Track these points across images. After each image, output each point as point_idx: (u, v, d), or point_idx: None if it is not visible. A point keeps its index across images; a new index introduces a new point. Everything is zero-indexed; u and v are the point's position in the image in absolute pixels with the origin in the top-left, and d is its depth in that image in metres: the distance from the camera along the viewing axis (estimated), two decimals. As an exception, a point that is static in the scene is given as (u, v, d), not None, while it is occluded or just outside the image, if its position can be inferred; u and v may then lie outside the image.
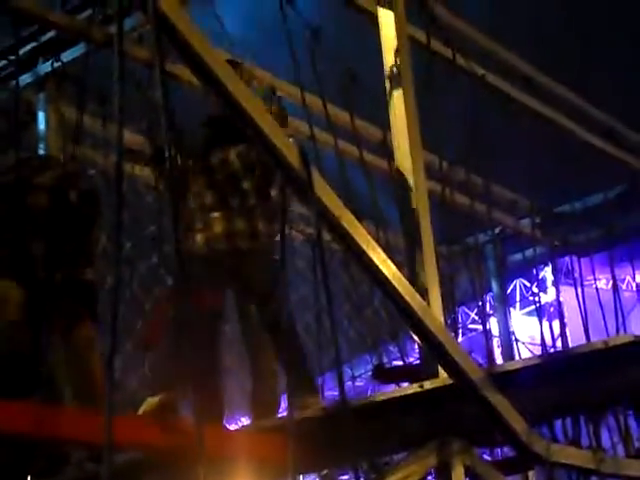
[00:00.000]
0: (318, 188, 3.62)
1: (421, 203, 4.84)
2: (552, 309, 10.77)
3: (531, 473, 6.52)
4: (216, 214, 5.09)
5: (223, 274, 5.13)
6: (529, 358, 4.69)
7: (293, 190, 3.75)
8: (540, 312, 8.07)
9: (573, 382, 4.22)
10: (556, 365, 4.23)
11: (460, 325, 12.84)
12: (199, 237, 5.09)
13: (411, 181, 4.86)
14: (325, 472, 6.57)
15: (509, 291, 13.03)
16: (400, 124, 4.99)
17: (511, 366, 4.44)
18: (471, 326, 13.70)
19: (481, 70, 6.31)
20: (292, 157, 3.54)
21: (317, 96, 6.22)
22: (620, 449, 5.23)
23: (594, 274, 8.17)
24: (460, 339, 12.68)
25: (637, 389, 4.24)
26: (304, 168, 3.56)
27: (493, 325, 10.35)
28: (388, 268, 3.86)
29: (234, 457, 3.91)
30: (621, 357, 4.07)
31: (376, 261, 3.83)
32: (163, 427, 3.91)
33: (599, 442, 4.62)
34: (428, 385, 4.32)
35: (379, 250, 3.88)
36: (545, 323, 10.20)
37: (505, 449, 5.42)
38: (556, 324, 10.16)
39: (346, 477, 6.99)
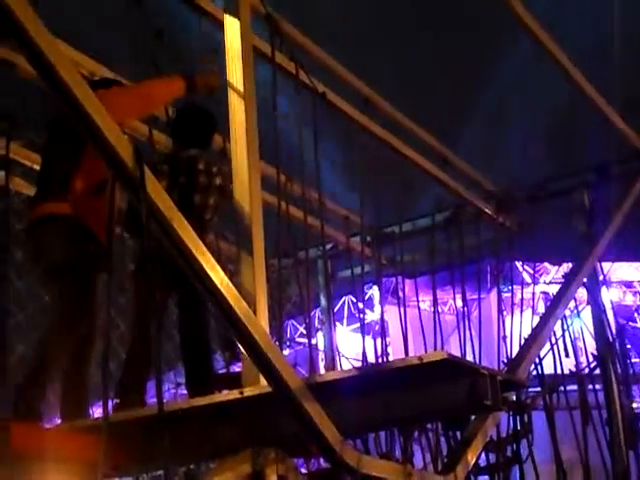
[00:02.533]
0: (150, 188, 3.59)
1: (255, 213, 4.87)
2: (377, 327, 11.02)
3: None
4: None
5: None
6: (347, 370, 4.79)
7: (125, 188, 3.70)
8: (364, 328, 8.24)
9: (389, 396, 4.33)
10: (373, 378, 4.33)
11: (288, 338, 13.00)
12: None
13: (247, 191, 4.88)
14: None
15: (337, 307, 13.30)
16: (239, 133, 5.00)
17: (329, 377, 4.52)
18: (299, 339, 13.89)
19: (322, 87, 6.41)
20: (125, 154, 3.50)
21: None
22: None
23: (417, 295, 8.42)
24: (287, 352, 12.81)
25: (448, 406, 4.39)
26: (137, 166, 3.52)
27: (319, 340, 10.51)
28: (216, 274, 3.86)
29: (45, 456, 3.80)
30: (435, 373, 4.22)
31: (205, 266, 3.82)
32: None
33: (409, 456, 4.77)
34: (248, 392, 4.35)
35: (209, 255, 3.88)
36: (369, 339, 10.44)
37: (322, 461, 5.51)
38: (380, 341, 10.41)
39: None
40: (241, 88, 4.99)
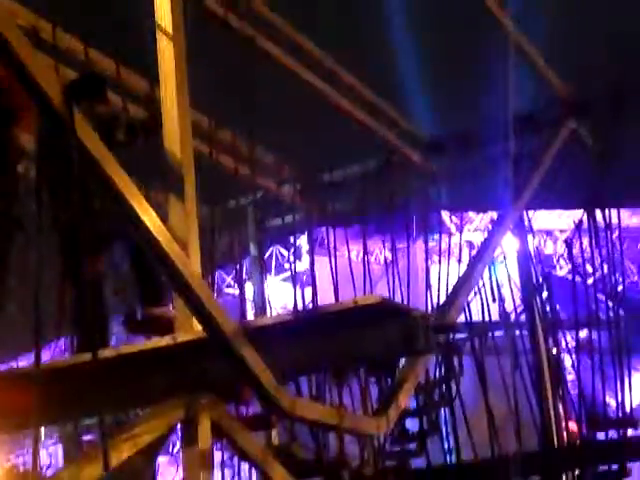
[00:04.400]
0: (79, 128, 3.49)
1: (185, 159, 4.80)
2: (306, 277, 11.02)
3: (274, 432, 6.63)
4: None
5: None
6: (282, 314, 4.79)
7: (52, 127, 3.60)
8: (295, 277, 8.24)
9: (323, 340, 4.35)
10: (307, 322, 4.34)
11: (216, 287, 12.94)
12: None
13: (177, 136, 4.80)
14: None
15: (266, 256, 13.26)
16: (168, 78, 4.90)
17: (263, 322, 4.52)
18: (227, 290, 13.83)
19: (251, 31, 6.30)
20: (53, 92, 3.39)
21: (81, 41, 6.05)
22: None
23: (348, 244, 8.42)
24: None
25: (381, 349, 4.42)
26: (65, 105, 3.42)
27: (248, 290, 10.46)
28: (149, 217, 3.80)
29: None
30: (368, 317, 4.24)
31: (137, 209, 3.76)
32: None
33: (341, 400, 4.80)
34: (181, 337, 4.31)
35: (141, 197, 3.81)
36: (298, 289, 10.45)
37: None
38: (309, 291, 10.44)
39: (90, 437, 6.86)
40: (170, 30, 4.88)
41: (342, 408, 4.67)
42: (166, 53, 4.92)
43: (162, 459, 13.01)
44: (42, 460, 11.90)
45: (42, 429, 12.74)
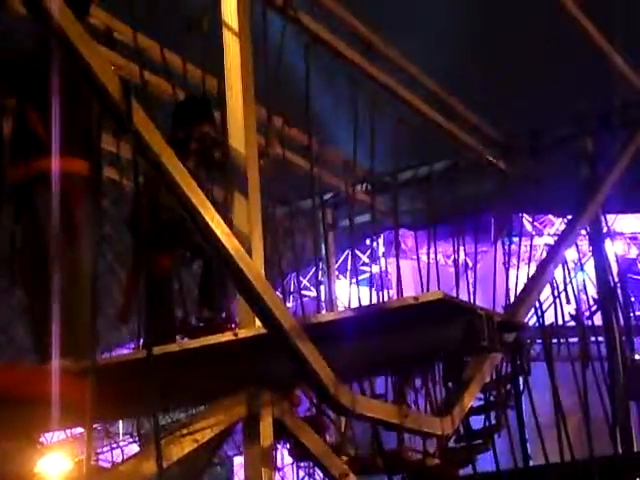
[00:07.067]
0: (138, 121, 3.50)
1: (250, 156, 4.78)
2: (380, 280, 10.93)
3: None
4: None
5: None
6: (343, 311, 4.73)
7: (111, 121, 3.62)
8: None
9: (385, 337, 4.28)
10: (369, 319, 4.27)
11: (291, 291, 12.94)
12: None
13: (241, 132, 4.78)
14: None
15: (341, 260, 13.22)
16: (234, 74, 4.88)
17: (324, 318, 4.47)
18: (304, 292, 13.82)
19: (315, 25, 6.22)
20: (112, 86, 3.41)
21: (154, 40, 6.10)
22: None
23: (417, 248, 8.32)
24: (290, 304, 12.75)
25: (444, 347, 4.33)
26: (124, 99, 3.43)
27: (322, 292, 10.42)
28: (208, 211, 3.79)
29: (29, 397, 3.76)
30: (431, 314, 4.15)
31: (195, 202, 3.75)
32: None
33: (404, 398, 4.72)
34: (242, 333, 4.29)
35: (199, 192, 3.80)
36: (369, 291, 10.36)
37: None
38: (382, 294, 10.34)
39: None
40: (235, 26, 4.87)
41: (405, 407, 4.59)
42: (231, 49, 4.90)
43: (238, 460, 13.04)
44: (119, 458, 12.06)
45: (120, 426, 12.92)
